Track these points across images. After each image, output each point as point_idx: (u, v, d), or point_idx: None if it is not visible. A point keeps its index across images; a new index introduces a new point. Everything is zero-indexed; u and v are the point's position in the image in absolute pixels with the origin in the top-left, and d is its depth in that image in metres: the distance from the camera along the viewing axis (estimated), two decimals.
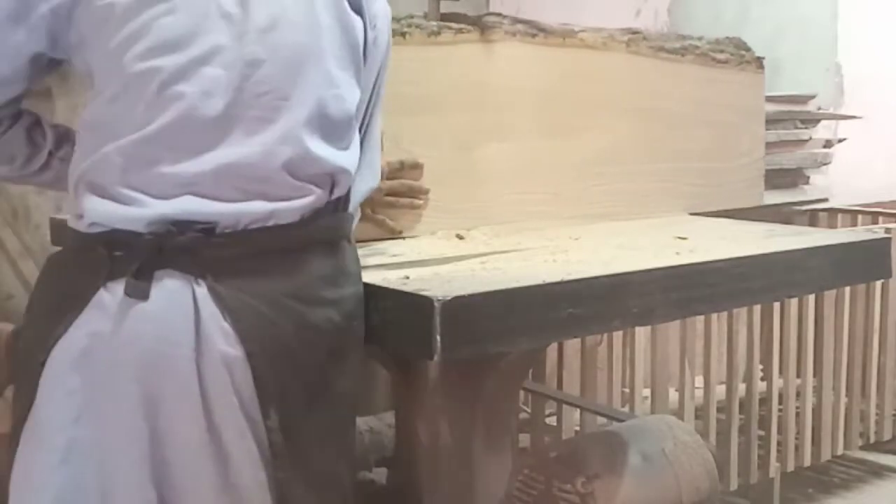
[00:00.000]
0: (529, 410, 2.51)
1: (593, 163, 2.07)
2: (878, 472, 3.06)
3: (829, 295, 2.83)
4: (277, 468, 1.23)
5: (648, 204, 2.16)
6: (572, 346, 2.50)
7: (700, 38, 2.28)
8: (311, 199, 1.27)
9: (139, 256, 1.20)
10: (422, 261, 1.59)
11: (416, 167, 1.82)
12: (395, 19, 1.79)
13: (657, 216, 2.14)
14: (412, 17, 1.86)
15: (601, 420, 2.44)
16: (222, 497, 1.22)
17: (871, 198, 3.29)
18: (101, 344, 1.20)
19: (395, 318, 1.33)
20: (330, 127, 1.29)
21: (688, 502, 1.78)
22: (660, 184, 2.18)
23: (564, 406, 2.48)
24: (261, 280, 1.23)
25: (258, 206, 1.23)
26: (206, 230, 1.22)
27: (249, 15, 1.24)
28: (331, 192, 1.30)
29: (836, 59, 3.61)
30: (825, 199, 3.07)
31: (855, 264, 1.81)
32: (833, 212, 3.15)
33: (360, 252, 1.65)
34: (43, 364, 1.22)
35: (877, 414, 3.03)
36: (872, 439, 3.02)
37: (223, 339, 1.20)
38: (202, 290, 1.20)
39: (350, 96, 1.32)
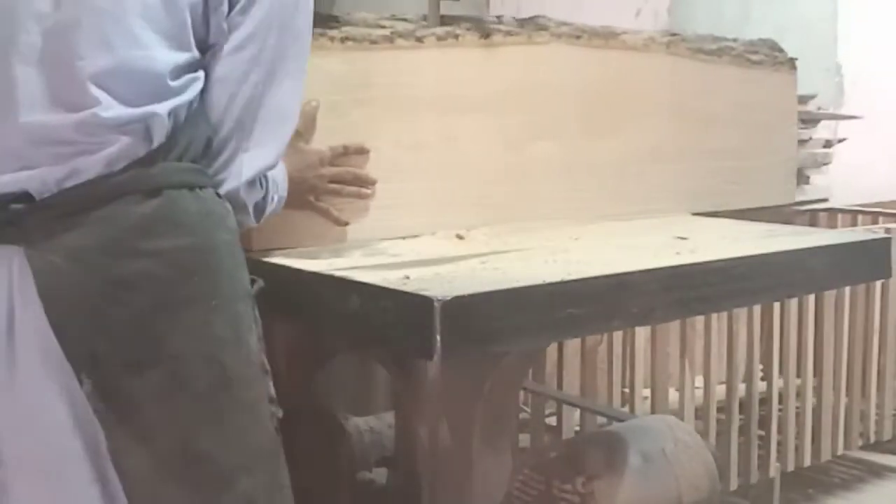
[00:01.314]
0: (529, 410, 2.51)
1: (635, 161, 2.12)
2: (878, 472, 3.06)
3: (829, 295, 2.83)
4: (109, 438, 1.18)
5: (687, 200, 2.20)
6: (572, 346, 2.50)
7: (735, 40, 2.33)
8: (114, 148, 1.20)
9: None
10: (422, 261, 1.59)
11: (362, 153, 1.75)
12: (449, 23, 1.86)
13: (695, 212, 2.21)
14: (465, 18, 1.90)
15: (601, 420, 2.45)
16: (30, 467, 1.20)
17: (871, 198, 3.29)
18: None
19: (395, 318, 1.33)
20: (135, 83, 1.21)
21: (688, 502, 1.78)
22: (697, 181, 2.23)
23: (564, 406, 2.48)
24: (69, 237, 1.18)
25: (61, 166, 1.19)
26: (23, 199, 1.19)
27: None
28: (149, 140, 1.22)
29: (836, 59, 3.61)
30: (825, 199, 3.07)
31: (855, 264, 1.81)
32: (833, 212, 3.15)
33: (360, 252, 1.66)
34: None
35: (877, 414, 3.03)
36: (872, 439, 3.02)
37: (29, 305, 1.17)
38: (19, 260, 1.18)
39: (161, 56, 1.23)
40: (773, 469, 2.73)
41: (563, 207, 2.00)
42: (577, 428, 2.52)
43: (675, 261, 1.56)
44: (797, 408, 2.84)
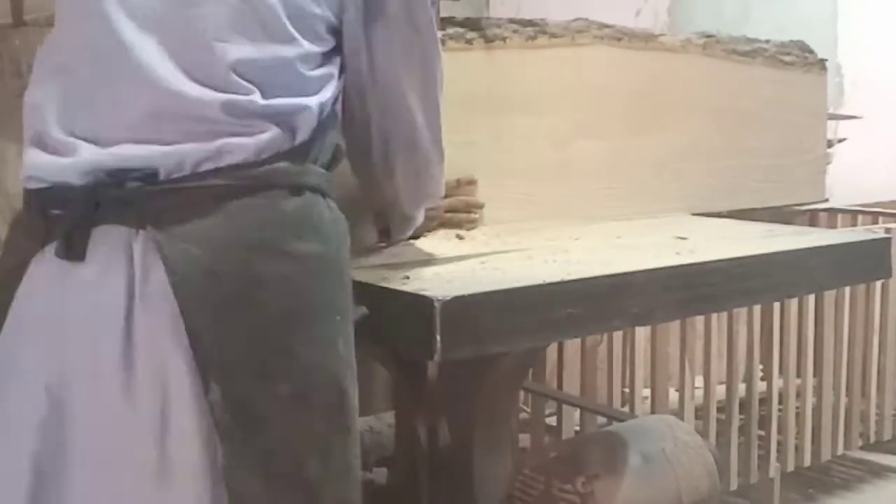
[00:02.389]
0: (529, 410, 2.51)
1: (673, 159, 2.18)
2: (878, 472, 3.06)
3: (829, 295, 2.83)
4: (224, 454, 1.06)
5: (723, 198, 2.28)
6: (572, 346, 2.50)
7: (767, 41, 2.39)
8: (266, 136, 1.12)
9: (74, 213, 1.08)
10: (422, 261, 1.59)
11: (472, 183, 1.85)
12: (496, 24, 1.93)
13: (729, 209, 2.28)
14: (511, 21, 1.96)
15: (601, 420, 2.45)
16: (152, 478, 1.06)
17: (871, 198, 3.29)
18: (26, 316, 1.10)
19: (395, 318, 1.33)
20: (280, 76, 1.15)
21: (688, 502, 1.78)
22: (732, 180, 2.30)
23: (564, 406, 2.48)
24: (206, 225, 1.07)
25: (205, 146, 1.09)
26: (147, 177, 1.08)
27: None
28: (293, 135, 1.15)
29: (836, 59, 3.61)
30: (825, 199, 3.07)
31: (855, 264, 1.81)
32: (833, 212, 3.15)
33: (359, 252, 1.66)
34: None
35: (877, 414, 3.03)
36: (872, 439, 3.02)
37: (159, 295, 1.06)
38: (140, 244, 1.07)
39: (304, 48, 1.17)
40: (773, 469, 2.73)
41: (606, 205, 2.07)
42: (577, 428, 2.52)
43: (675, 261, 1.56)
44: (797, 408, 2.84)
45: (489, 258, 1.60)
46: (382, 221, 1.57)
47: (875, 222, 3.08)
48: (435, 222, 1.78)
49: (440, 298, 1.25)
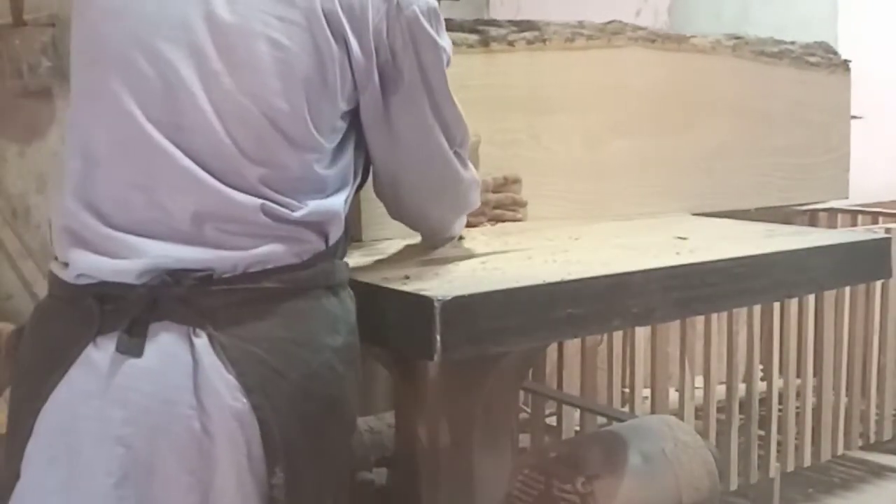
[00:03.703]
0: (529, 410, 2.51)
1: (704, 158, 2.25)
2: (878, 472, 3.06)
3: (829, 295, 2.83)
4: None
5: (751, 196, 2.36)
6: (572, 346, 2.50)
7: (793, 43, 2.46)
8: (307, 244, 1.22)
9: (132, 310, 1.14)
10: (422, 261, 1.59)
11: (517, 181, 1.91)
12: (534, 28, 1.99)
13: (756, 208, 2.37)
14: (549, 24, 2.02)
15: (601, 420, 2.44)
16: None
17: (871, 198, 3.29)
18: (89, 406, 1.14)
19: (395, 318, 1.33)
20: (304, 183, 1.24)
21: (688, 502, 1.78)
22: (759, 178, 2.37)
23: (564, 406, 2.48)
24: (263, 326, 1.17)
25: (254, 251, 1.17)
26: (202, 278, 1.15)
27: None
28: (326, 239, 1.26)
29: None
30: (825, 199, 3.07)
31: (855, 264, 1.81)
32: (833, 212, 3.15)
33: (359, 251, 1.66)
34: (31, 428, 1.16)
35: (877, 414, 3.03)
36: (872, 439, 3.02)
37: (228, 393, 1.14)
38: (201, 341, 1.14)
39: (322, 154, 1.26)
40: (773, 469, 2.73)
41: (640, 202, 2.13)
42: (577, 428, 2.51)
43: (675, 261, 1.56)
44: (797, 408, 2.84)
45: (489, 258, 1.60)
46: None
47: (875, 222, 3.08)
48: (483, 218, 1.85)
49: (440, 298, 1.25)
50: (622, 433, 1.85)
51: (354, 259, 1.60)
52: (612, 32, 2.09)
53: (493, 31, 1.92)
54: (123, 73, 1.17)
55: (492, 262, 1.55)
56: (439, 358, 1.25)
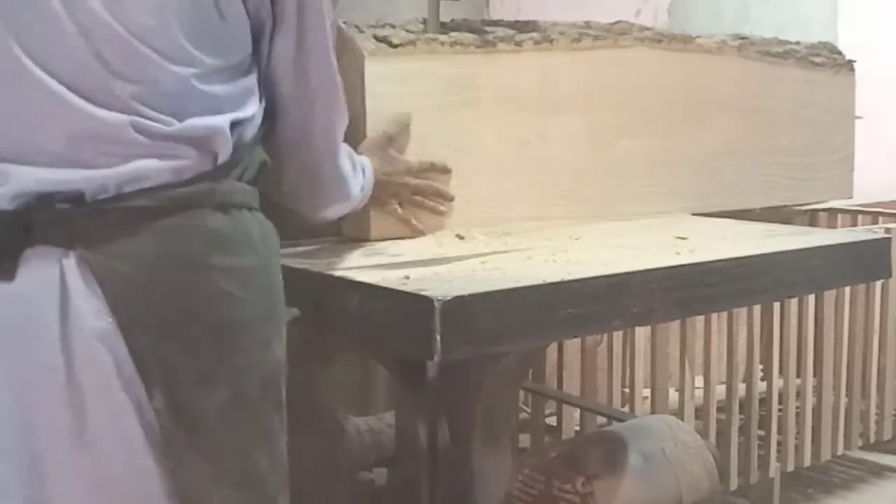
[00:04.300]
0: (529, 410, 2.51)
1: (710, 157, 2.26)
2: (878, 472, 3.06)
3: (829, 295, 2.83)
4: (169, 456, 1.13)
5: (757, 195, 2.37)
6: (572, 346, 2.50)
7: (798, 43, 2.46)
8: (185, 160, 1.17)
9: (3, 235, 1.13)
10: (422, 261, 1.59)
11: (445, 172, 1.83)
12: (540, 28, 2.00)
13: (761, 207, 2.38)
14: (555, 23, 2.03)
15: (601, 420, 2.44)
16: (101, 490, 1.13)
17: (871, 198, 3.29)
18: None
19: (395, 318, 1.33)
20: (183, 100, 1.18)
21: (688, 502, 1.78)
22: (764, 177, 2.38)
23: (564, 406, 2.48)
24: (132, 242, 1.13)
25: (125, 168, 1.14)
26: (74, 199, 1.13)
27: None
28: (214, 155, 1.20)
29: None
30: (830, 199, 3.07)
31: (855, 264, 1.81)
32: (833, 212, 3.14)
33: (359, 251, 1.66)
34: None
35: (877, 414, 3.02)
36: (872, 439, 3.02)
37: (92, 313, 1.11)
38: (70, 262, 1.12)
39: (206, 68, 1.20)
40: (773, 469, 2.73)
41: (646, 202, 2.14)
42: (577, 428, 2.51)
43: (675, 261, 1.56)
44: (797, 408, 2.84)
45: (489, 258, 1.60)
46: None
47: (875, 222, 3.07)
48: (395, 200, 1.76)
49: (440, 298, 1.25)
50: (622, 433, 1.85)
51: (354, 259, 1.60)
52: (618, 33, 2.10)
53: (501, 32, 1.94)
54: None
55: (492, 262, 1.56)
56: (439, 358, 1.25)
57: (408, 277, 1.40)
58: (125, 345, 1.12)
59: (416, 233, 1.80)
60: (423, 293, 1.28)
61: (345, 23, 1.77)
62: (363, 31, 1.80)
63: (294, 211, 1.45)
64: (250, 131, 1.25)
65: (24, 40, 1.14)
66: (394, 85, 1.78)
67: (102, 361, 1.12)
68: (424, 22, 1.92)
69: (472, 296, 1.29)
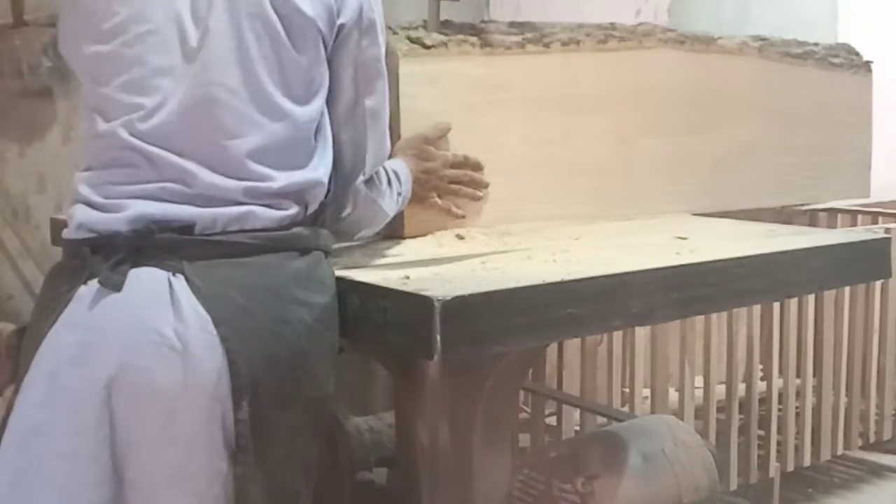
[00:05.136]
0: (529, 410, 2.51)
1: (732, 157, 2.29)
2: (878, 472, 3.06)
3: (829, 295, 2.83)
4: (238, 463, 1.24)
5: (777, 195, 2.41)
6: (572, 346, 2.50)
7: (816, 44, 2.50)
8: (286, 212, 1.32)
9: (118, 252, 1.25)
10: (422, 261, 1.59)
11: (478, 168, 1.89)
12: (567, 29, 2.04)
13: (781, 205, 2.46)
14: (581, 26, 2.06)
15: (601, 420, 2.44)
16: (177, 483, 1.23)
17: (870, 198, 3.28)
18: (74, 331, 1.24)
19: (395, 318, 1.33)
20: (289, 152, 1.34)
21: (688, 502, 1.78)
22: (786, 176, 2.41)
23: (564, 406, 2.48)
24: (235, 272, 1.26)
25: (235, 209, 1.28)
26: (184, 229, 1.26)
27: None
28: (306, 208, 1.36)
29: None
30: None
31: (855, 264, 1.81)
32: (833, 212, 3.15)
33: (359, 252, 1.66)
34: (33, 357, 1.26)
35: (877, 414, 3.03)
36: (872, 439, 3.02)
37: (200, 325, 1.22)
38: (179, 280, 1.24)
39: (302, 117, 1.37)
40: (773, 469, 2.73)
41: (667, 200, 2.17)
42: (577, 428, 2.52)
43: (675, 261, 1.56)
44: (797, 408, 2.84)
45: (489, 258, 1.60)
46: None
47: (875, 222, 3.07)
48: (435, 193, 1.83)
49: (440, 298, 1.25)
50: (622, 433, 1.85)
51: (354, 259, 1.60)
52: (643, 34, 2.13)
53: (529, 34, 1.98)
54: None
55: (492, 262, 1.56)
56: (439, 358, 1.26)
57: (408, 277, 1.40)
58: (224, 355, 1.23)
59: (456, 216, 1.86)
60: (423, 293, 1.28)
61: None
62: (396, 33, 1.84)
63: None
64: (329, 179, 1.39)
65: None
66: (426, 85, 1.83)
67: (206, 369, 1.22)
68: (424, 22, 1.92)
69: (472, 296, 1.29)
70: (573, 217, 2.00)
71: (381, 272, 1.46)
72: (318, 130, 1.38)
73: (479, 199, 1.89)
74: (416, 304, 1.28)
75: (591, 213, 2.03)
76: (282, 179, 1.31)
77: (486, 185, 1.90)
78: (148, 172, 1.29)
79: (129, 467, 1.22)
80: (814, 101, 2.46)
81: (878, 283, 2.93)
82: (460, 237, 1.81)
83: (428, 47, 1.83)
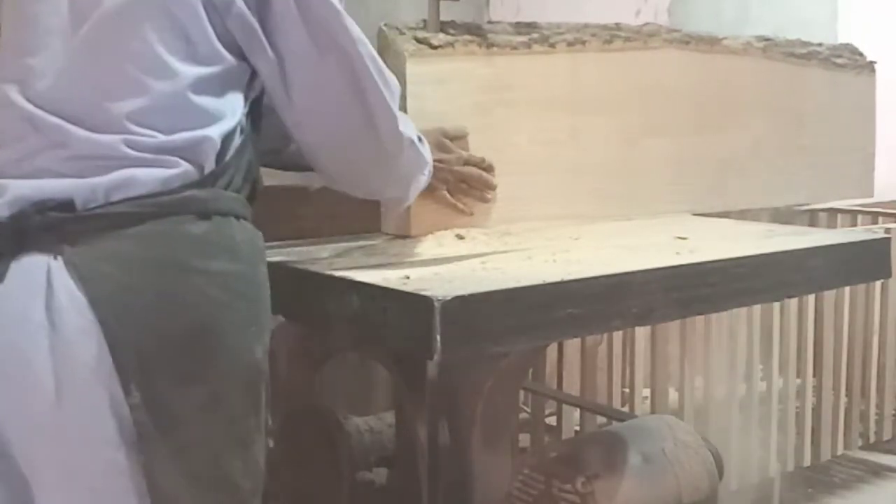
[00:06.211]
0: (529, 410, 2.51)
1: (737, 157, 2.30)
2: (878, 472, 3.06)
3: (829, 295, 2.83)
4: (142, 451, 1.17)
5: (781, 195, 2.41)
6: (572, 346, 2.50)
7: (820, 45, 2.49)
8: (172, 170, 1.22)
9: (1, 242, 1.19)
10: (422, 261, 1.59)
11: (490, 169, 1.88)
12: (573, 30, 2.04)
13: (787, 205, 2.48)
14: (586, 26, 2.07)
15: (601, 420, 2.45)
16: (68, 478, 1.17)
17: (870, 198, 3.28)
18: None
19: (395, 318, 1.33)
20: (175, 115, 1.24)
21: (688, 502, 1.78)
22: (790, 176, 2.41)
23: (564, 406, 2.48)
24: (117, 245, 1.18)
25: (115, 175, 1.19)
26: (64, 206, 1.18)
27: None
28: (201, 165, 1.25)
29: None
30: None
31: (855, 264, 1.81)
32: (833, 212, 3.15)
33: (360, 251, 1.66)
34: None
35: (877, 414, 3.03)
36: (872, 439, 3.02)
37: (75, 309, 1.15)
38: (58, 263, 1.16)
39: (192, 80, 1.25)
40: (773, 469, 2.73)
41: (671, 200, 2.17)
42: (577, 428, 2.52)
43: (675, 261, 1.56)
44: (797, 408, 2.84)
45: (489, 258, 1.60)
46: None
47: (875, 222, 3.07)
48: (443, 186, 1.81)
49: (440, 298, 1.25)
50: (622, 433, 1.85)
51: (354, 259, 1.60)
52: (648, 34, 2.13)
53: (535, 34, 1.98)
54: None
55: (492, 262, 1.56)
56: (439, 358, 1.25)
57: (408, 277, 1.40)
58: (105, 340, 1.15)
59: (464, 213, 1.85)
60: (423, 293, 1.28)
61: (386, 25, 1.84)
62: (403, 34, 1.84)
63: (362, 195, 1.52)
64: (237, 140, 1.28)
65: (6, 74, 1.23)
66: (433, 85, 1.83)
67: (82, 355, 1.15)
68: (424, 22, 1.92)
69: (472, 296, 1.29)
70: (577, 217, 2.00)
71: (381, 272, 1.46)
72: (223, 91, 1.27)
73: (487, 201, 1.89)
74: (416, 304, 1.28)
75: (595, 212, 2.04)
76: (167, 134, 1.22)
77: (494, 188, 1.90)
78: (30, 141, 1.22)
79: (24, 466, 1.18)
80: (818, 101, 2.46)
81: (878, 283, 2.93)
82: (460, 237, 1.81)
83: (435, 47, 1.83)
